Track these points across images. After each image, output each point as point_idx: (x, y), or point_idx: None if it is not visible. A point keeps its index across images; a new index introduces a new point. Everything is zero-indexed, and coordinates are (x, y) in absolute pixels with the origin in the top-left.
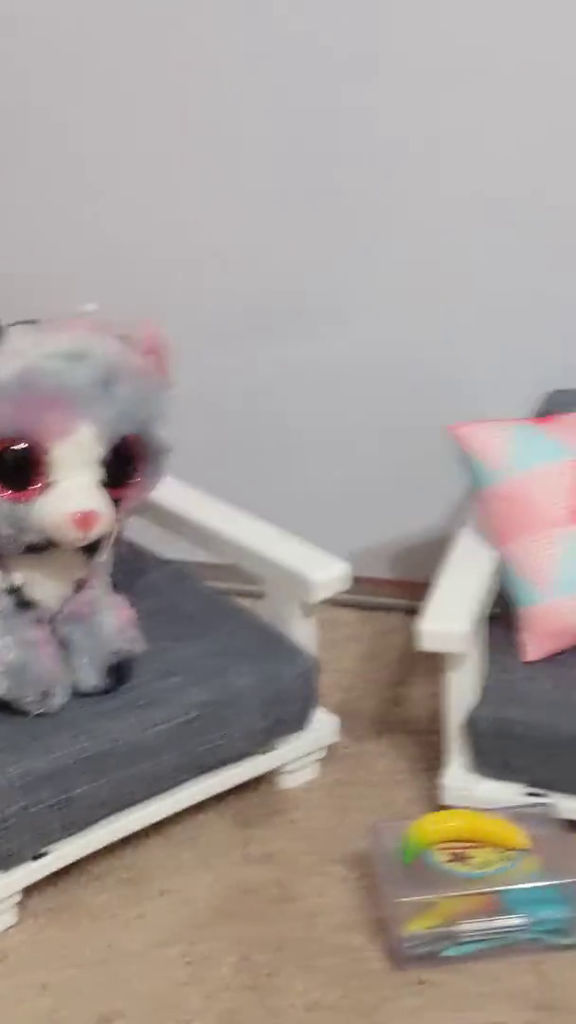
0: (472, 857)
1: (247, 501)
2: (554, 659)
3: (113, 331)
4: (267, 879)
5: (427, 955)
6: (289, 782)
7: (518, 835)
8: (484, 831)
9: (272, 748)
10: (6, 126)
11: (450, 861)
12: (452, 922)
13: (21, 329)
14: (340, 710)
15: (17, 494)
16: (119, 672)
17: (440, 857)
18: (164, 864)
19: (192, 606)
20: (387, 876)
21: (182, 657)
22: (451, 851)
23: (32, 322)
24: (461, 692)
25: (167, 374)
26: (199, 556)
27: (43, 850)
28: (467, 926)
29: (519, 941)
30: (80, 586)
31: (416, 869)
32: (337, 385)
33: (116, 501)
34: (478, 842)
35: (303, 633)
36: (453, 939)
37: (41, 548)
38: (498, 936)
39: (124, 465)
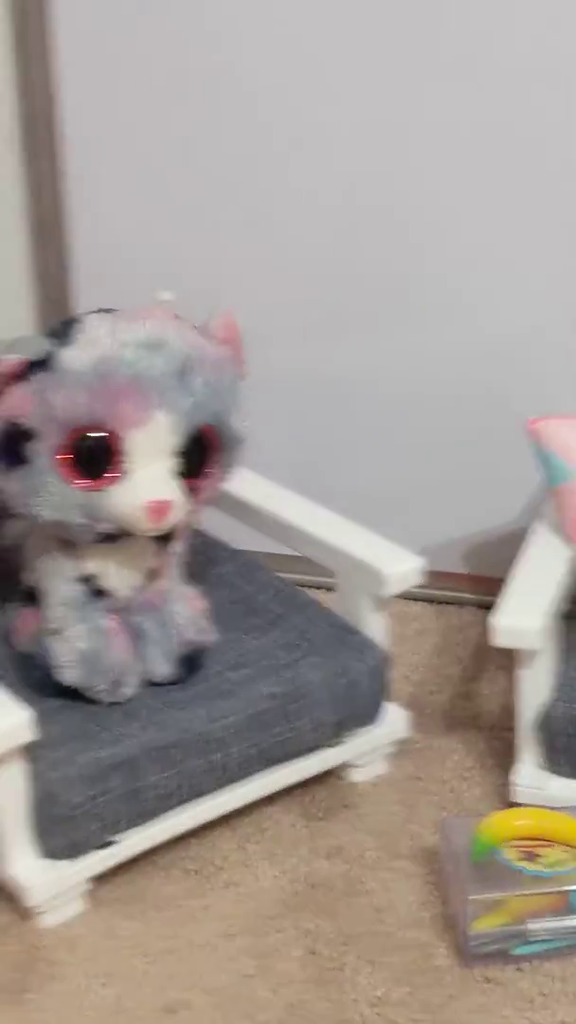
0: (542, 856)
1: (320, 493)
2: None
3: (189, 320)
4: (334, 873)
5: (495, 953)
6: (358, 776)
7: None
8: (555, 830)
9: (341, 742)
10: (97, 118)
11: (520, 859)
12: (521, 921)
13: (98, 318)
14: (411, 705)
15: (92, 483)
16: (190, 663)
17: (510, 855)
18: (231, 856)
19: (263, 597)
20: (456, 873)
21: (253, 649)
22: (521, 849)
23: (109, 311)
24: (534, 689)
25: (243, 364)
26: (270, 547)
27: (111, 839)
28: (536, 925)
29: None
30: (153, 576)
31: (485, 867)
32: (414, 378)
33: (190, 491)
34: (549, 841)
35: (375, 627)
36: (522, 938)
37: (114, 537)
38: (567, 935)
39: (199, 455)
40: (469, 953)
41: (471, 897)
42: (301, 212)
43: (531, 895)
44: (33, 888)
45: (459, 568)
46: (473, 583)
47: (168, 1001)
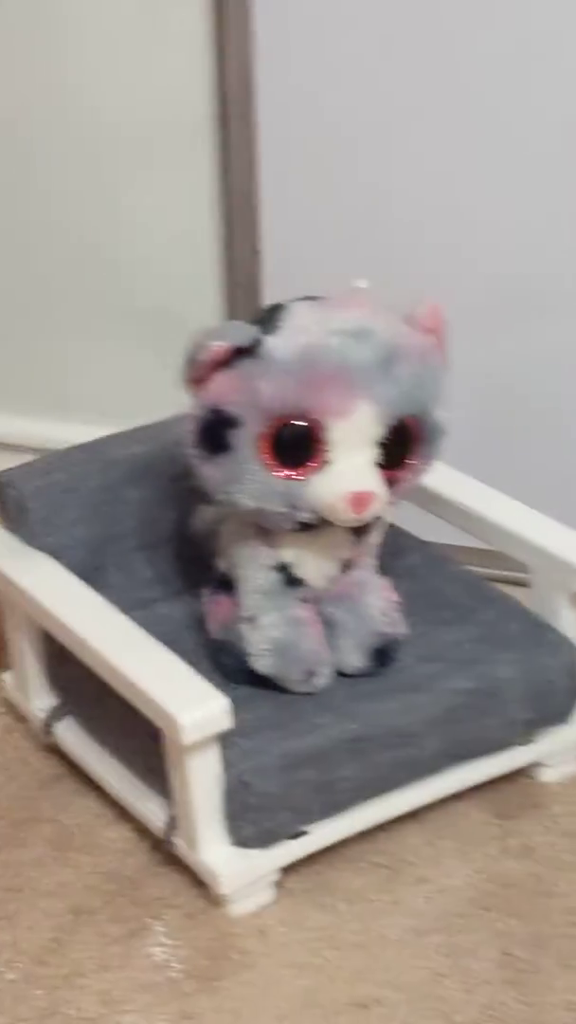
0: None
1: (514, 487)
2: None
3: (394, 309)
4: (526, 873)
5: None
6: (548, 776)
7: None
8: None
9: (533, 740)
10: (292, 106)
11: None
12: None
13: (304, 305)
14: None
15: (293, 472)
16: (382, 655)
17: None
18: (420, 852)
19: (453, 591)
20: None
21: (445, 643)
22: None
23: (314, 298)
24: None
25: (446, 355)
26: (459, 540)
27: (303, 829)
28: None
29: None
30: (347, 566)
31: None
32: None
33: (390, 483)
34: None
35: (570, 624)
36: None
37: (312, 527)
38: None
39: (400, 447)
40: None
41: None
42: (493, 201)
43: None
44: (225, 876)
45: None
46: None
47: (360, 996)
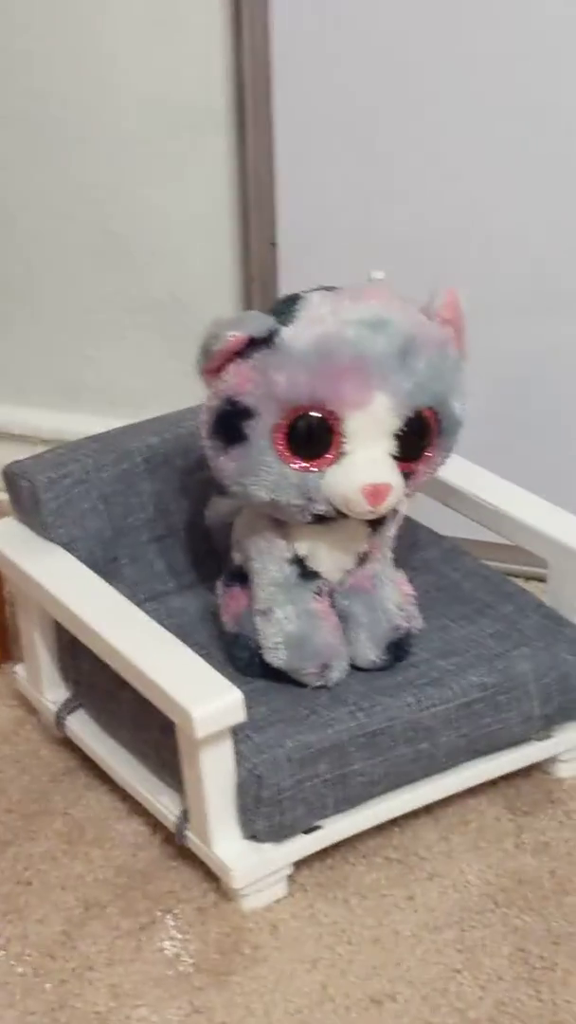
0: None
1: (532, 481)
2: None
3: (411, 300)
4: (542, 870)
5: None
6: (564, 771)
7: None
8: None
9: (549, 736)
10: (309, 99)
11: None
12: None
13: (320, 295)
14: None
15: (308, 464)
16: (397, 649)
17: None
18: (434, 847)
19: (470, 585)
20: None
21: (461, 637)
22: None
23: (331, 289)
24: None
25: (464, 347)
26: (476, 534)
27: (317, 824)
28: None
29: None
30: (363, 559)
31: None
32: None
33: (406, 475)
34: None
35: None
36: None
37: (327, 519)
38: None
39: (417, 439)
40: None
41: None
42: (512, 190)
43: None
44: (238, 870)
45: None
46: None
47: (374, 991)
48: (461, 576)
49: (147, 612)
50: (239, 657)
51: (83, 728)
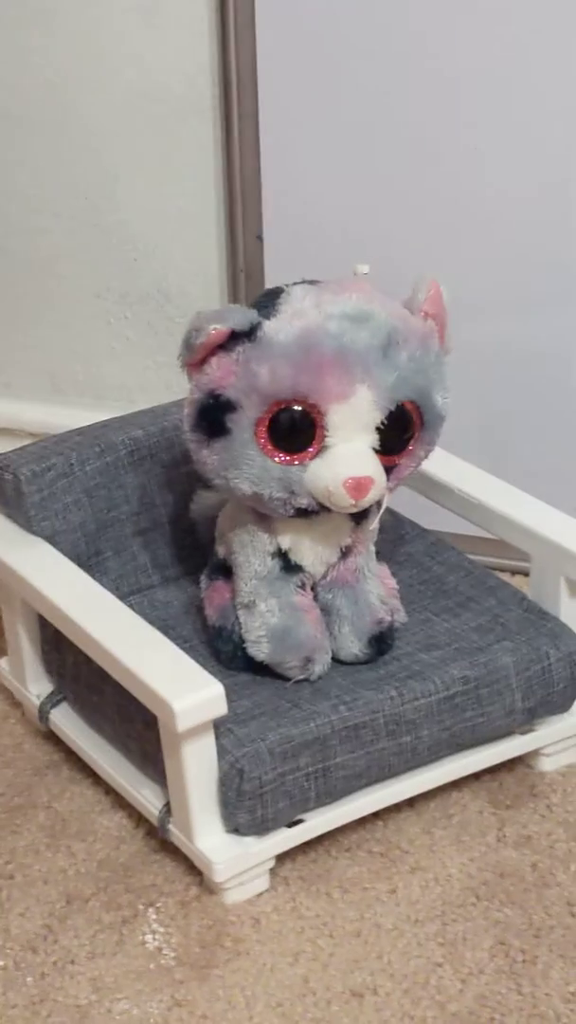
0: None
1: (516, 475)
2: None
3: (394, 293)
4: (523, 863)
5: None
6: (547, 765)
7: None
8: None
9: (532, 729)
10: (294, 89)
11: None
12: None
13: (302, 289)
14: None
15: (291, 457)
16: (380, 643)
17: None
18: (416, 840)
19: (453, 579)
20: None
21: (443, 631)
22: None
23: (313, 282)
24: None
25: (446, 340)
26: (460, 528)
27: (299, 818)
28: None
29: None
30: (346, 553)
31: None
32: None
33: (389, 468)
34: None
35: (570, 613)
36: None
37: (310, 512)
38: None
39: (399, 432)
40: None
41: None
42: (498, 185)
43: None
44: (220, 863)
45: None
46: None
47: (355, 984)
48: (445, 570)
49: (131, 605)
50: (223, 650)
51: (67, 721)
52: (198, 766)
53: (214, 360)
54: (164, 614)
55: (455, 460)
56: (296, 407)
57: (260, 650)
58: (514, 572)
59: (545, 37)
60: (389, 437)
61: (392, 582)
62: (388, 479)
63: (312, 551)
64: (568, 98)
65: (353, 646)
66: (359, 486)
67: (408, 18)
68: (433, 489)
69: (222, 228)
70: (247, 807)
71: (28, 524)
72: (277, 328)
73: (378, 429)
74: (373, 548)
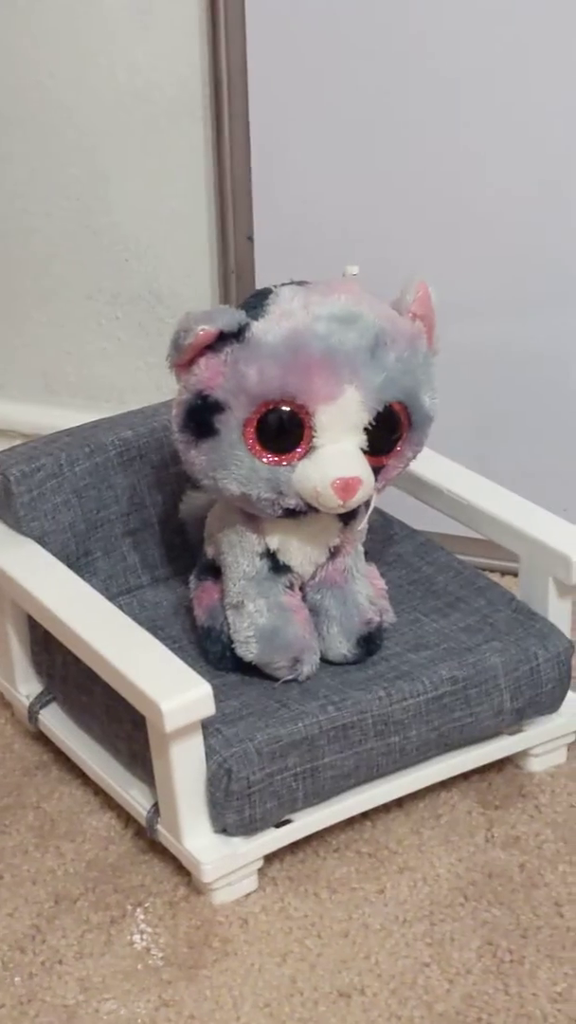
0: None
1: (505, 475)
2: None
3: (384, 294)
4: (512, 864)
5: None
6: (535, 765)
7: None
8: None
9: (520, 730)
10: (285, 90)
11: None
12: None
13: (290, 290)
14: None
15: (279, 458)
16: (369, 643)
17: None
18: (405, 841)
19: (442, 579)
20: None
21: (432, 631)
22: None
23: (302, 283)
24: None
25: (434, 341)
26: (449, 528)
27: (287, 818)
28: None
29: None
30: (334, 553)
31: None
32: None
33: (377, 469)
34: None
35: (558, 613)
36: None
37: (299, 513)
38: None
39: (387, 433)
40: None
41: None
42: (490, 186)
43: None
44: (208, 864)
45: None
46: None
47: (343, 985)
48: (434, 570)
49: (120, 606)
50: (211, 651)
51: (56, 722)
52: (186, 766)
53: (202, 361)
54: (153, 614)
55: (444, 461)
56: (284, 408)
57: (248, 650)
58: (503, 572)
59: (539, 42)
60: (377, 438)
61: (381, 582)
62: (376, 480)
63: (300, 552)
64: (562, 96)
65: (342, 646)
66: (347, 487)
67: (398, 18)
68: (422, 489)
69: (213, 229)
70: (235, 807)
71: (17, 524)
72: (265, 329)
73: (366, 430)
74: (362, 548)
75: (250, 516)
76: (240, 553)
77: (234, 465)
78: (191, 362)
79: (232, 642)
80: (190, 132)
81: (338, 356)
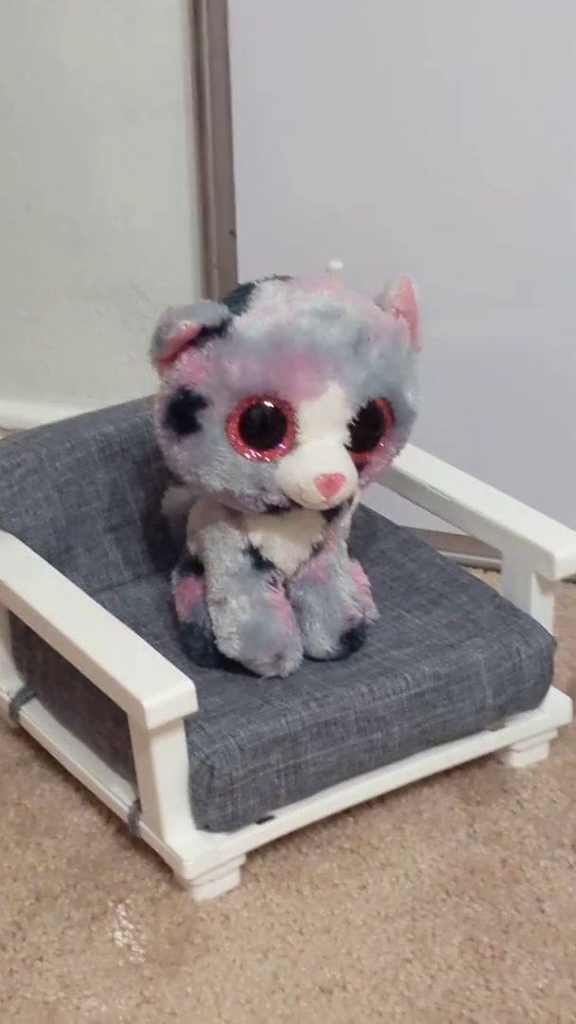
0: None
1: (485, 471)
2: None
3: (364, 290)
4: (493, 859)
5: None
6: (517, 761)
7: None
8: None
9: (502, 726)
10: (267, 84)
11: None
12: None
13: (273, 285)
14: (572, 690)
15: (261, 454)
16: (351, 639)
17: None
18: (387, 837)
19: (426, 576)
20: None
21: (415, 627)
22: None
23: (284, 278)
24: None
25: (417, 337)
26: (432, 525)
27: (269, 814)
28: None
29: None
30: (317, 550)
31: None
32: None
33: (360, 465)
34: None
35: (541, 610)
36: None
37: (282, 509)
38: None
39: (370, 429)
40: None
41: None
42: (474, 185)
43: None
44: (190, 860)
45: None
46: None
47: (324, 981)
48: (417, 567)
49: (102, 602)
50: (194, 647)
51: (37, 718)
52: (168, 763)
53: (184, 356)
54: (135, 611)
55: (428, 457)
56: (267, 403)
57: (231, 647)
58: (486, 569)
59: (528, 40)
60: (360, 434)
61: (364, 579)
62: (359, 476)
63: (283, 548)
64: (558, 94)
65: (324, 643)
66: (330, 483)
67: (383, 14)
68: (406, 486)
69: (195, 224)
70: (217, 804)
71: None
72: (248, 324)
73: (349, 426)
74: (345, 545)
75: (233, 512)
76: (223, 549)
77: (216, 461)
78: (173, 357)
79: (215, 638)
80: (172, 125)
81: (321, 352)
